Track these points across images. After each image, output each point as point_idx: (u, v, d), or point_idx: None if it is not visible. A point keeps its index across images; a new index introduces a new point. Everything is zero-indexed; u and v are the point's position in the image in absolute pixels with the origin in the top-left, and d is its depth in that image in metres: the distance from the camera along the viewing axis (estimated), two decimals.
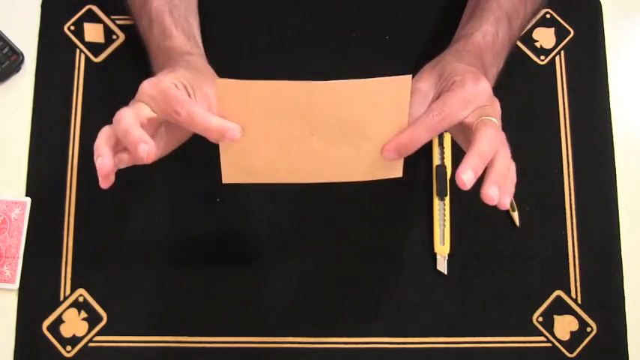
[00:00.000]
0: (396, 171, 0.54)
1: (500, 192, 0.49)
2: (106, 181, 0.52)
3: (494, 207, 0.65)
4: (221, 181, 0.67)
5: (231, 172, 0.54)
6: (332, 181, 0.55)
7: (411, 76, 0.50)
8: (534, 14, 0.68)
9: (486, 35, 0.59)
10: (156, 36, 0.61)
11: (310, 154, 0.53)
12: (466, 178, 0.48)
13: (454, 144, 0.68)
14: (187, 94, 0.53)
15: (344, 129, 0.52)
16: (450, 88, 0.52)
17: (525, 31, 0.72)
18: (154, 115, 0.52)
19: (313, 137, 0.52)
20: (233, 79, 0.49)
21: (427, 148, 0.68)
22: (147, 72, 0.60)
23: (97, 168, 0.51)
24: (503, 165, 0.50)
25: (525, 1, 0.64)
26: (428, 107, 0.52)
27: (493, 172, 0.50)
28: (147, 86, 0.52)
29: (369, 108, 0.51)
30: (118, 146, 0.52)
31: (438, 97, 0.53)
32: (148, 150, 0.49)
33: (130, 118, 0.51)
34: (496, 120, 0.52)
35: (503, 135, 0.52)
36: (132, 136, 0.49)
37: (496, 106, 0.53)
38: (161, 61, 0.60)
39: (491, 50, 0.59)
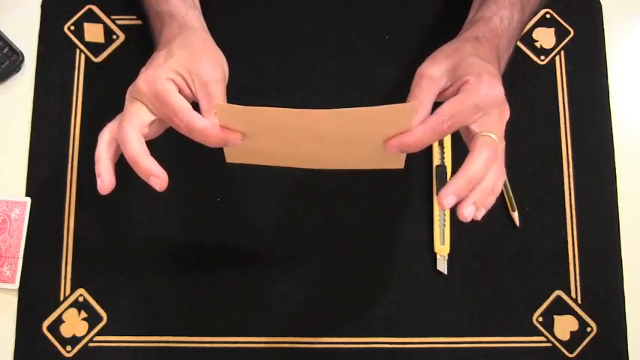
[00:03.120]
0: (398, 163, 0.53)
1: (476, 209, 0.50)
2: (104, 192, 0.53)
3: (493, 207, 0.65)
4: (221, 181, 0.68)
5: (234, 153, 0.54)
6: (333, 167, 0.55)
7: (416, 103, 0.49)
8: (543, 2, 0.66)
9: (503, 19, 0.58)
10: (152, 0, 0.60)
11: (312, 150, 0.53)
12: (446, 202, 0.49)
13: (454, 144, 0.68)
14: (187, 86, 0.52)
15: (346, 144, 0.52)
16: (464, 88, 0.51)
17: (525, 31, 0.72)
18: (153, 118, 0.52)
19: (313, 144, 0.52)
20: (231, 105, 0.48)
21: (427, 149, 0.68)
22: None
23: (98, 187, 0.52)
24: (489, 185, 0.50)
25: None
26: (438, 109, 0.50)
27: (476, 191, 0.50)
28: (143, 84, 0.52)
29: (372, 132, 0.50)
30: (119, 150, 0.53)
31: (448, 88, 0.52)
32: (161, 183, 0.51)
33: (135, 143, 0.51)
34: (496, 136, 0.51)
35: (501, 147, 0.52)
36: (142, 167, 0.50)
37: (504, 112, 0.52)
38: (158, 27, 0.59)
39: (507, 35, 0.58)
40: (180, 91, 0.53)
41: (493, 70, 0.53)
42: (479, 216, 0.51)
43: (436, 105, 0.52)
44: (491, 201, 0.52)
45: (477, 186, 0.50)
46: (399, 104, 0.47)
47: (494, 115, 0.51)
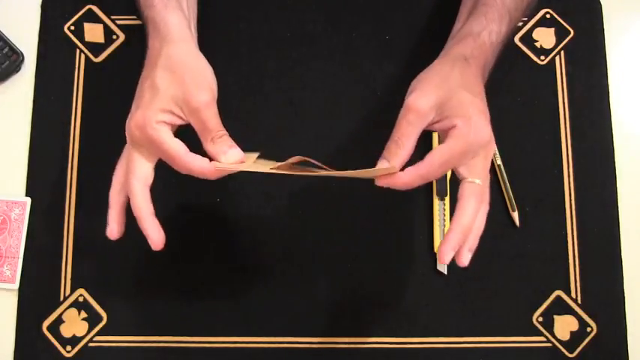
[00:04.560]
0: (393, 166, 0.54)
1: (472, 252, 0.54)
2: (112, 238, 0.57)
3: (493, 207, 0.65)
4: (221, 181, 0.67)
5: (222, 164, 0.54)
6: (328, 174, 0.55)
7: (395, 166, 0.52)
8: (528, 9, 0.66)
9: (492, 34, 0.58)
10: (141, 4, 0.60)
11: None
12: (447, 258, 0.52)
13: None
14: (179, 118, 0.53)
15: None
16: (452, 134, 0.52)
17: (525, 31, 0.72)
18: (154, 163, 0.55)
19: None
20: (226, 166, 0.53)
21: (427, 149, 0.68)
22: None
23: (107, 233, 0.57)
24: (481, 229, 0.54)
25: None
26: (428, 157, 0.52)
27: (469, 238, 0.54)
28: (136, 130, 0.53)
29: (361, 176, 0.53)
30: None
31: (436, 122, 0.53)
32: (157, 243, 0.55)
33: (141, 199, 0.54)
34: (481, 179, 0.53)
35: (486, 188, 0.54)
36: (144, 226, 0.55)
37: (490, 151, 0.54)
38: (150, 31, 0.59)
39: (493, 49, 0.59)
40: (174, 126, 0.54)
41: (481, 105, 0.54)
42: (467, 261, 0.55)
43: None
44: (475, 243, 0.55)
45: (469, 233, 0.53)
46: (383, 168, 0.51)
47: (480, 157, 0.53)
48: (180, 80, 0.53)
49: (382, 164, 0.52)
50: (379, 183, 0.52)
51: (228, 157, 0.53)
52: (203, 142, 0.54)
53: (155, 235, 0.55)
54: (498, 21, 0.59)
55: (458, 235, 0.52)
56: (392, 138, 0.53)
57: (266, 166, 0.53)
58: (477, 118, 0.52)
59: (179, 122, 0.54)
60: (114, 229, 0.57)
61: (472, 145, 0.52)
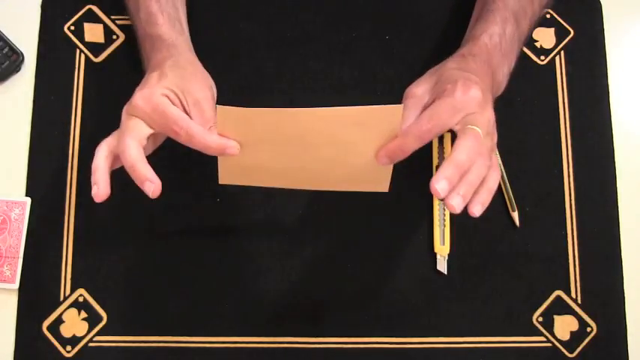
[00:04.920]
0: (383, 186, 0.56)
1: (464, 201, 0.51)
2: (99, 199, 0.55)
3: (493, 207, 0.65)
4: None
5: (228, 175, 0.57)
6: (320, 188, 0.58)
7: (402, 105, 0.51)
8: (543, 10, 0.67)
9: (493, 36, 0.60)
10: (142, 21, 0.62)
11: (302, 166, 0.56)
12: (439, 187, 0.50)
13: (454, 144, 0.68)
14: (180, 103, 0.55)
15: (335, 149, 0.54)
16: (441, 96, 0.54)
17: None
18: (151, 131, 0.54)
19: (305, 154, 0.54)
20: (232, 107, 0.51)
21: (427, 148, 0.68)
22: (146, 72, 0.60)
23: (93, 194, 0.54)
24: (476, 177, 0.52)
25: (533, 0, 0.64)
26: (419, 114, 0.54)
27: (463, 182, 0.51)
28: (140, 101, 0.54)
29: (361, 132, 0.52)
30: (116, 161, 0.55)
31: (431, 103, 0.54)
32: (154, 189, 0.53)
33: (134, 150, 0.53)
34: (480, 129, 0.53)
35: (486, 144, 0.53)
36: (138, 173, 0.53)
37: (486, 114, 0.54)
38: (148, 48, 0.61)
39: (499, 50, 0.60)
40: (174, 104, 0.55)
41: (472, 77, 0.55)
42: (477, 212, 0.53)
43: None
44: (486, 197, 0.53)
45: (464, 177, 0.51)
46: (387, 105, 0.50)
47: (476, 114, 0.53)
48: (186, 76, 0.56)
49: (382, 156, 0.54)
50: (379, 157, 0.53)
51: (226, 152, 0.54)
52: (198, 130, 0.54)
53: (152, 176, 0.53)
54: (501, 23, 0.60)
55: (450, 168, 0.50)
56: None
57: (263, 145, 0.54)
58: (464, 80, 0.54)
59: (179, 107, 0.55)
60: (101, 187, 0.54)
61: (459, 101, 0.53)
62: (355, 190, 0.56)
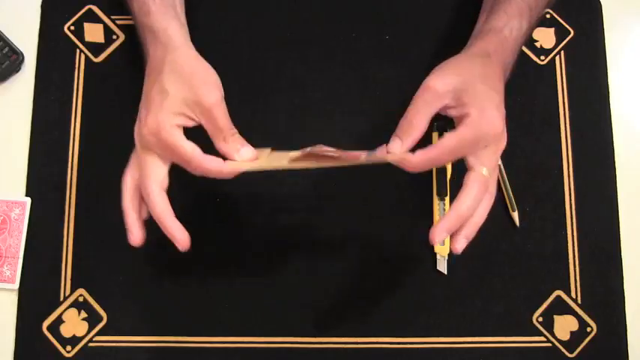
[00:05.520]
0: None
1: (468, 241, 0.55)
2: (135, 245, 0.56)
3: (493, 207, 0.65)
4: (221, 181, 0.67)
5: (236, 163, 0.55)
6: (335, 164, 0.55)
7: (409, 147, 0.53)
8: (549, 4, 0.66)
9: (513, 30, 0.59)
10: (136, 11, 0.60)
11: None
12: (439, 239, 0.53)
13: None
14: (190, 119, 0.54)
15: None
16: (466, 122, 0.52)
17: None
18: (168, 167, 0.55)
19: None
20: (242, 163, 0.54)
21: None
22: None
23: (129, 240, 0.56)
24: (481, 219, 0.55)
25: None
26: (439, 143, 0.52)
27: (467, 226, 0.54)
28: (149, 136, 0.53)
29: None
30: (143, 200, 0.56)
31: (450, 107, 0.53)
32: (183, 244, 0.54)
33: (160, 204, 0.54)
34: (488, 169, 0.53)
35: (492, 180, 0.55)
36: (167, 227, 0.54)
37: (501, 144, 0.55)
38: (143, 39, 0.59)
39: (515, 45, 0.59)
40: (186, 128, 0.54)
41: (497, 99, 0.54)
42: (460, 249, 0.55)
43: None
44: (475, 232, 0.55)
45: (467, 220, 0.54)
46: (392, 157, 0.52)
47: (490, 148, 0.54)
48: (188, 83, 0.54)
49: (395, 142, 0.53)
50: (391, 159, 0.53)
51: (242, 154, 0.54)
52: (215, 141, 0.54)
53: (181, 236, 0.54)
54: (519, 16, 0.59)
55: (453, 219, 0.53)
56: (406, 117, 0.53)
57: (280, 160, 0.54)
58: (491, 110, 0.53)
59: (191, 124, 0.54)
60: (137, 235, 0.56)
61: (483, 136, 0.52)
62: (373, 160, 0.55)
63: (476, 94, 0.53)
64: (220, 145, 0.54)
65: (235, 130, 0.55)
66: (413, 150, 0.53)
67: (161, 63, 0.55)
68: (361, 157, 0.53)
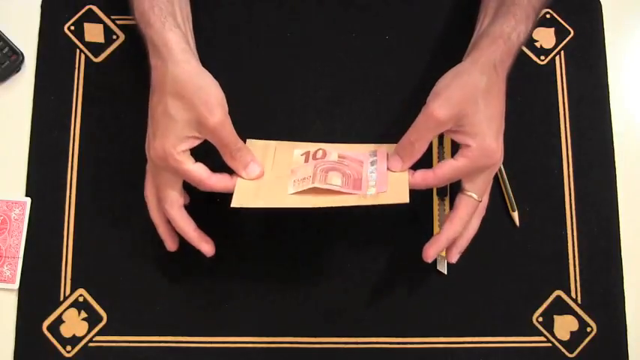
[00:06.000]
0: (402, 197, 0.55)
1: (460, 254, 0.61)
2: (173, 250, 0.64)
3: (493, 207, 0.65)
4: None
5: (242, 197, 0.56)
6: (340, 205, 0.55)
7: (408, 166, 0.57)
8: (547, 3, 0.66)
9: (520, 35, 0.58)
10: (138, 20, 0.60)
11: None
12: (430, 258, 0.58)
13: (454, 144, 0.68)
14: (197, 139, 0.56)
15: None
16: (465, 153, 0.55)
17: None
18: (181, 184, 0.59)
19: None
20: (257, 141, 0.60)
21: (427, 149, 0.68)
22: (147, 72, 0.60)
23: (167, 246, 0.63)
24: (472, 234, 0.61)
25: None
26: (437, 170, 0.56)
27: (461, 240, 0.60)
28: (159, 161, 0.56)
29: None
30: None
31: (451, 131, 0.55)
32: (209, 251, 0.61)
33: (180, 218, 0.60)
34: (478, 194, 0.58)
35: (484, 202, 0.60)
36: (191, 239, 0.60)
37: (495, 168, 0.58)
38: (150, 51, 0.59)
39: (519, 49, 0.59)
40: (193, 149, 0.57)
41: (497, 124, 0.56)
42: (454, 260, 0.62)
43: None
44: (465, 245, 0.62)
45: (460, 238, 0.60)
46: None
47: (485, 174, 0.57)
48: (190, 105, 0.54)
49: (396, 161, 0.57)
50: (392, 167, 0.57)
51: (249, 172, 0.58)
52: (223, 156, 0.57)
53: (205, 248, 0.60)
54: (525, 21, 0.59)
55: (444, 242, 0.58)
56: (408, 138, 0.56)
57: (283, 198, 0.56)
58: (490, 141, 0.55)
59: (197, 142, 0.56)
60: (172, 243, 0.62)
61: (480, 167, 0.56)
62: (376, 203, 0.55)
63: (477, 122, 0.54)
64: (228, 160, 0.57)
65: (242, 144, 0.57)
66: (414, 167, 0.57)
67: (163, 79, 0.56)
68: (362, 191, 0.55)
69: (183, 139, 0.55)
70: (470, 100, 0.54)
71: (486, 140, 0.54)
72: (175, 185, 0.58)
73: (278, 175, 0.58)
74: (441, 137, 0.68)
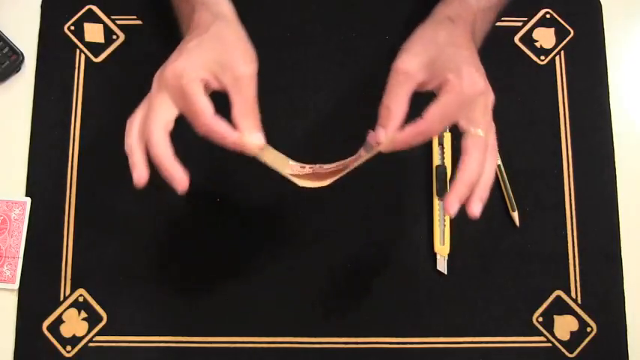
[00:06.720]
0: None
1: (482, 203, 0.53)
2: (141, 183, 0.53)
3: (493, 207, 0.65)
4: (221, 181, 0.67)
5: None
6: (339, 175, 0.55)
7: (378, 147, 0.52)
8: None
9: (481, 1, 0.58)
10: None
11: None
12: (453, 210, 0.52)
13: (454, 144, 0.68)
14: (217, 80, 0.52)
15: None
16: (446, 89, 0.51)
17: (525, 30, 0.72)
18: (177, 114, 0.52)
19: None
20: (249, 148, 0.52)
21: (427, 148, 0.68)
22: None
23: (135, 179, 0.52)
24: (490, 179, 0.53)
25: None
26: (425, 113, 0.51)
27: (479, 188, 0.52)
28: (171, 76, 0.52)
29: None
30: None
31: (428, 82, 0.52)
32: (182, 186, 0.51)
33: (161, 142, 0.51)
34: (483, 128, 0.52)
35: (491, 138, 0.53)
36: (165, 169, 0.51)
37: (489, 99, 0.53)
38: (187, 12, 0.58)
39: (482, 15, 0.58)
40: (208, 85, 0.53)
41: (470, 57, 0.53)
42: (478, 212, 0.53)
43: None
44: (486, 193, 0.54)
45: (478, 184, 0.52)
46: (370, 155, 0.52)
47: (478, 107, 0.52)
48: (228, 49, 0.53)
49: (379, 133, 0.53)
50: (383, 149, 0.52)
51: (254, 138, 0.52)
52: (235, 111, 0.52)
53: (180, 175, 0.52)
54: None
55: (463, 188, 0.52)
56: (383, 103, 0.53)
57: (283, 166, 0.53)
58: (467, 68, 0.52)
59: (215, 85, 0.53)
60: (143, 173, 0.52)
61: (467, 96, 0.52)
62: (371, 155, 0.54)
63: (449, 58, 0.52)
64: (240, 115, 0.52)
65: (258, 112, 0.53)
66: None
67: (207, 26, 0.54)
68: (361, 155, 0.53)
69: (206, 69, 0.52)
70: (433, 44, 0.53)
71: (462, 68, 0.52)
72: (171, 110, 0.52)
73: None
74: (440, 137, 0.68)
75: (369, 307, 0.65)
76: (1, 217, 0.66)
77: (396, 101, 0.52)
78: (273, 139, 0.69)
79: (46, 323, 0.64)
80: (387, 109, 0.52)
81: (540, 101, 0.70)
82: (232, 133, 0.51)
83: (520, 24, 0.72)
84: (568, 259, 0.67)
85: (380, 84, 0.70)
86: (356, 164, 0.54)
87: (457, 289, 0.66)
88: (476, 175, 0.52)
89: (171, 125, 0.53)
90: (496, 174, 0.68)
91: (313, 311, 0.65)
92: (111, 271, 0.66)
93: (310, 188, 0.54)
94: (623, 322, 0.66)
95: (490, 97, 0.54)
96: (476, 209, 0.53)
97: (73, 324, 0.65)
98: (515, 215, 0.67)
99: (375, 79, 0.70)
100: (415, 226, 0.67)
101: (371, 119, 0.69)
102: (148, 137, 0.52)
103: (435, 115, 0.51)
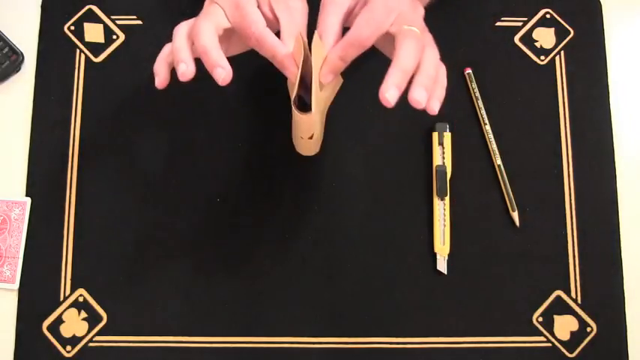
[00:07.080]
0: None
1: (428, 95, 0.50)
2: (165, 82, 0.54)
3: (493, 207, 0.65)
4: (221, 181, 0.67)
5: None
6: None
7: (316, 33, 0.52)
8: None
9: None
10: None
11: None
12: (389, 95, 0.49)
13: (454, 144, 0.68)
14: (267, 3, 0.53)
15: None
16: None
17: (525, 30, 0.72)
18: (228, 24, 0.53)
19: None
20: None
21: (427, 148, 0.68)
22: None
23: (179, 73, 0.52)
24: (431, 68, 0.51)
25: None
26: (341, 19, 0.52)
27: (419, 75, 0.50)
28: None
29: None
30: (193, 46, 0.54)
31: (356, 7, 0.53)
32: (225, 76, 0.51)
33: (209, 36, 0.52)
34: (417, 29, 0.52)
35: (428, 38, 0.53)
36: (210, 58, 0.51)
37: (418, 11, 0.53)
38: None
39: None
40: (259, 6, 0.53)
41: None
42: (434, 107, 0.51)
43: None
44: (440, 92, 0.52)
45: (418, 71, 0.51)
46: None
47: (408, 12, 0.52)
48: None
49: (315, 38, 0.52)
50: (322, 75, 0.53)
51: (291, 62, 0.53)
52: (284, 33, 0.53)
53: (223, 62, 0.52)
54: None
55: (397, 73, 0.50)
56: (316, 31, 0.53)
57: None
58: None
59: (264, 8, 0.54)
60: (190, 65, 0.52)
61: (392, 1, 0.52)
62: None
63: None
64: (287, 37, 0.53)
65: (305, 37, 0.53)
66: None
67: None
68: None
69: None
70: None
71: None
72: (223, 19, 0.53)
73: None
74: (440, 137, 0.68)
75: (369, 307, 0.65)
76: (1, 217, 0.66)
77: (325, 28, 0.52)
78: (274, 138, 0.69)
79: (46, 323, 0.64)
80: (323, 23, 0.53)
81: (540, 101, 0.70)
82: (283, 47, 0.52)
83: (520, 24, 0.72)
84: (568, 259, 0.67)
85: (380, 84, 0.70)
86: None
87: (457, 289, 0.66)
88: (412, 61, 0.50)
89: (220, 31, 0.53)
90: (496, 174, 0.68)
91: (313, 311, 0.65)
92: (111, 271, 0.66)
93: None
94: (623, 322, 0.66)
95: (419, 6, 0.54)
96: (434, 106, 0.51)
97: (73, 324, 0.65)
98: (515, 215, 0.67)
99: (375, 78, 0.71)
100: (415, 226, 0.67)
101: (371, 119, 0.69)
102: (196, 30, 0.52)
103: (361, 21, 0.51)
